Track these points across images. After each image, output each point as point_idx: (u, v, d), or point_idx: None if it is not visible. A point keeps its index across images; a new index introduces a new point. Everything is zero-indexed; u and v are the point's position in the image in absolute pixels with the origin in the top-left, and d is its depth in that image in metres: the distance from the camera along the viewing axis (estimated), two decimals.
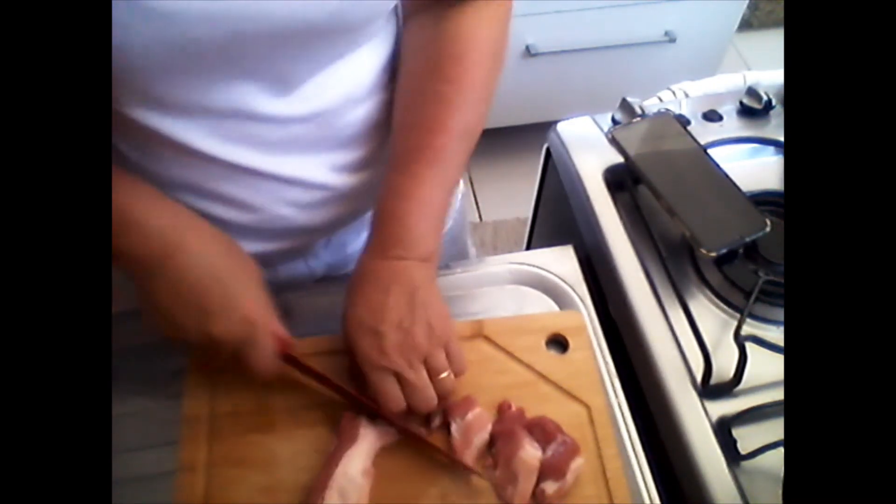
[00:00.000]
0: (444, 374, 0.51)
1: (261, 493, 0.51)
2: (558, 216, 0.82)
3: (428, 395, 0.50)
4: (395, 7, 0.56)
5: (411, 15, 0.58)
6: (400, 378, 0.50)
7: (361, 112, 0.56)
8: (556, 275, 0.65)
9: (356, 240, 0.72)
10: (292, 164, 0.55)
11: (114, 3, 0.38)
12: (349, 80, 0.54)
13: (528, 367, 0.57)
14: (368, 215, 0.70)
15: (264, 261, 0.64)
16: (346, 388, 0.54)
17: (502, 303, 0.63)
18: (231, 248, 0.52)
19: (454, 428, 0.53)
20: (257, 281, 0.52)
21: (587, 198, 0.71)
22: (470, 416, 0.53)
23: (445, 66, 0.54)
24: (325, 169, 0.58)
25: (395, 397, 0.50)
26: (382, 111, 0.58)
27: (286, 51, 0.47)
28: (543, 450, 0.51)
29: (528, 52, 1.57)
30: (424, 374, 0.50)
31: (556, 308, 0.63)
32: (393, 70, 0.58)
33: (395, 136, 0.57)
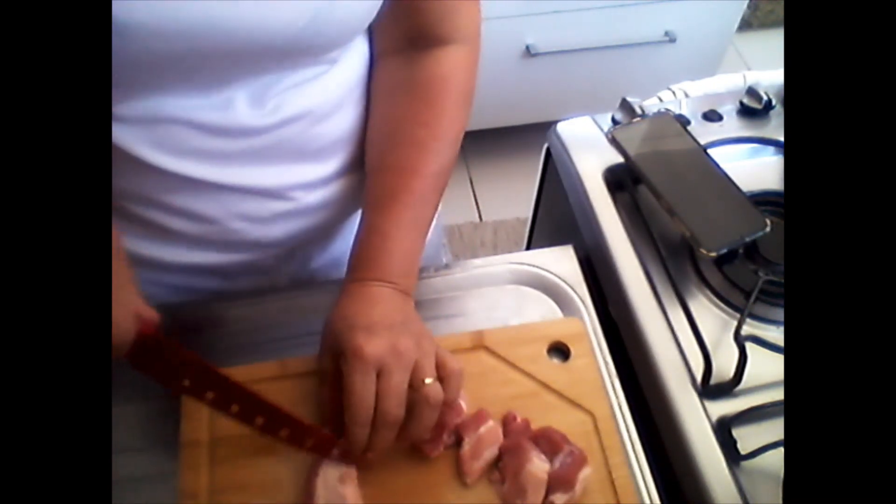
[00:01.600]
0: (429, 380, 0.49)
1: None
2: (558, 216, 0.82)
3: (399, 406, 0.48)
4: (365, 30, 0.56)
5: (383, 55, 0.58)
6: (380, 379, 0.48)
7: (324, 128, 0.56)
8: (556, 275, 0.65)
9: (321, 255, 0.71)
10: (249, 176, 0.55)
11: None
12: (313, 97, 0.54)
13: (531, 376, 0.57)
14: (335, 231, 0.70)
15: (223, 272, 0.63)
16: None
17: (502, 303, 0.63)
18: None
19: (466, 442, 0.52)
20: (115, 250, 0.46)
21: (587, 198, 0.71)
22: (483, 429, 0.53)
23: (420, 109, 0.56)
24: (284, 183, 0.57)
25: (366, 398, 0.47)
26: (346, 128, 0.59)
27: (246, 67, 0.47)
28: (551, 461, 0.51)
29: (528, 52, 1.57)
30: (406, 382, 0.48)
31: (556, 308, 0.63)
32: (360, 87, 0.59)
33: (371, 177, 0.58)
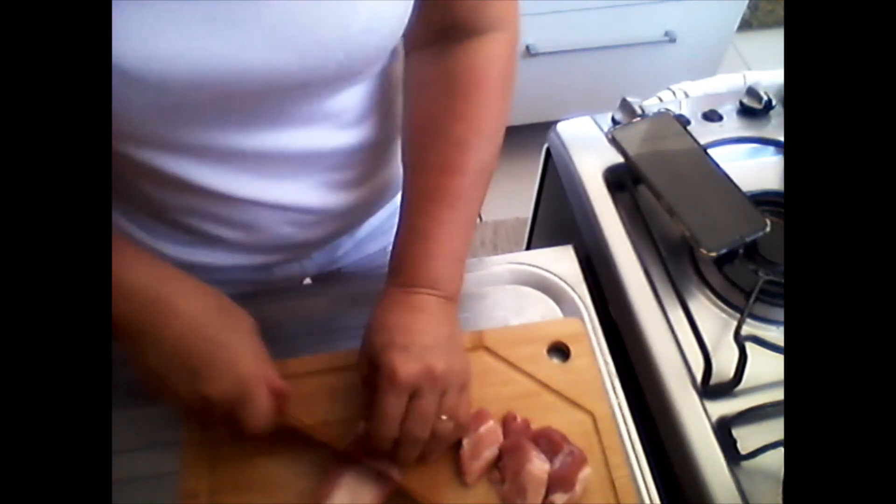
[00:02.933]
0: (445, 418, 0.48)
1: None
2: (558, 216, 0.82)
3: (425, 429, 0.47)
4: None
5: (413, 50, 0.56)
6: (412, 400, 0.47)
7: (354, 136, 0.56)
8: (556, 275, 0.65)
9: (348, 242, 0.73)
10: (287, 190, 0.55)
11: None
12: (342, 112, 0.53)
13: (531, 376, 0.57)
14: (365, 226, 0.71)
15: (261, 268, 0.64)
16: (333, 442, 0.52)
17: (502, 303, 0.64)
18: (219, 301, 0.49)
19: (466, 442, 0.52)
20: (250, 332, 0.49)
21: (587, 198, 0.71)
22: (483, 429, 0.53)
23: (459, 104, 0.53)
24: (319, 190, 0.58)
25: (393, 419, 0.47)
26: (375, 131, 0.58)
27: (284, 97, 0.47)
28: (551, 461, 0.51)
29: (528, 52, 1.57)
30: (436, 406, 0.48)
31: (556, 308, 0.63)
32: (384, 96, 0.58)
33: (409, 176, 0.55)
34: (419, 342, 0.48)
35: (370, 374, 0.49)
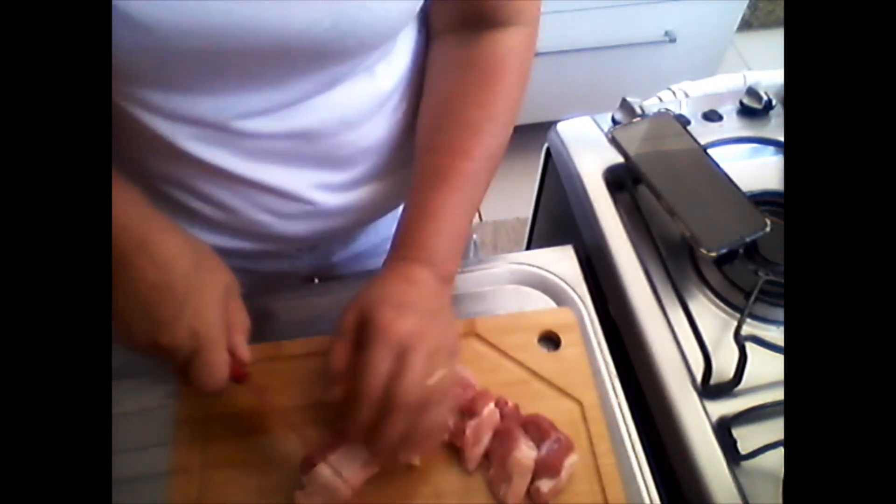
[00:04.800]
0: (433, 381, 0.46)
1: (254, 495, 0.51)
2: (558, 216, 0.82)
3: (415, 392, 0.45)
4: (398, 37, 0.56)
5: (438, 35, 0.57)
6: (402, 358, 0.45)
7: (353, 136, 0.56)
8: (556, 275, 0.65)
9: (343, 250, 0.72)
10: (274, 175, 0.55)
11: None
12: (344, 105, 0.53)
13: (521, 364, 0.58)
14: (358, 231, 0.71)
15: (245, 255, 0.64)
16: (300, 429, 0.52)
17: (502, 303, 0.63)
18: (201, 256, 0.48)
19: (469, 426, 0.52)
20: (224, 292, 0.48)
21: (587, 198, 0.71)
22: (485, 412, 0.53)
23: (475, 91, 0.55)
24: (308, 185, 0.58)
25: (381, 376, 0.45)
26: (376, 137, 0.58)
27: (276, 69, 0.47)
28: (538, 448, 0.52)
29: None
30: (428, 369, 0.46)
31: (556, 308, 0.63)
32: (394, 97, 0.58)
33: (421, 156, 0.56)
34: (413, 304, 0.48)
35: (354, 335, 0.47)
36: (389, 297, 0.48)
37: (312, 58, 0.47)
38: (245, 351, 0.49)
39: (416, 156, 0.56)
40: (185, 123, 0.49)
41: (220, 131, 0.50)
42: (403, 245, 0.53)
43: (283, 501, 0.51)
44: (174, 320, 0.45)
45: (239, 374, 0.49)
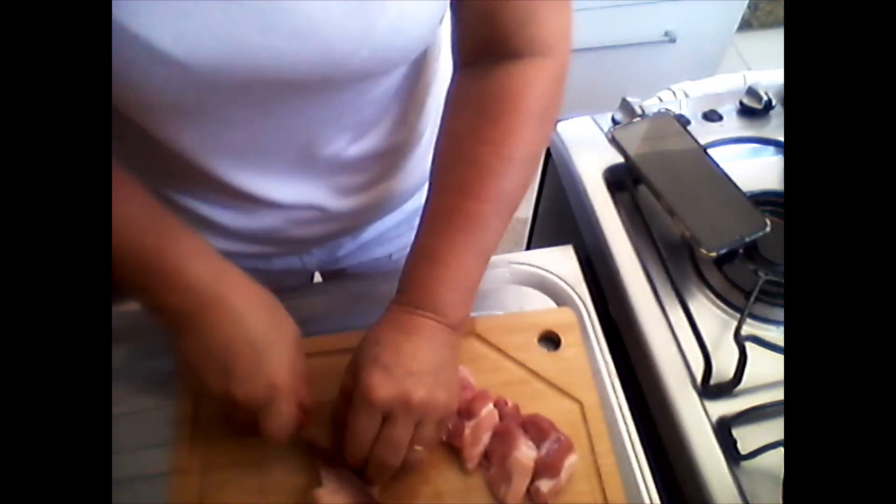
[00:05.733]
0: (419, 448, 0.48)
1: (253, 495, 0.51)
2: (558, 216, 0.82)
3: (395, 455, 0.47)
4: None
5: (461, 67, 0.54)
6: (384, 425, 0.46)
7: (365, 143, 0.56)
8: (556, 275, 0.65)
9: (350, 243, 0.73)
10: (294, 191, 0.56)
11: (133, 47, 0.38)
12: (360, 114, 0.53)
13: (521, 364, 0.58)
14: (368, 226, 0.71)
15: (257, 256, 0.65)
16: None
17: (502, 303, 0.63)
18: (272, 309, 0.50)
19: (467, 427, 0.52)
20: (292, 343, 0.50)
21: (587, 198, 0.71)
22: (483, 412, 0.53)
23: (485, 127, 0.51)
24: (321, 192, 0.58)
25: (362, 439, 0.47)
26: (387, 139, 0.58)
27: (312, 94, 0.47)
28: (538, 448, 0.52)
29: None
30: (409, 436, 0.47)
31: (556, 308, 0.63)
32: (400, 102, 0.57)
33: (430, 195, 0.53)
34: (404, 365, 0.47)
35: (350, 386, 0.48)
36: (380, 354, 0.47)
37: (348, 81, 0.47)
38: (309, 401, 0.51)
39: (428, 195, 0.54)
40: (215, 150, 0.49)
41: (245, 152, 0.50)
42: (406, 290, 0.51)
43: (282, 501, 0.51)
44: (253, 375, 0.47)
45: (304, 423, 0.50)
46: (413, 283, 0.51)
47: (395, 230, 0.74)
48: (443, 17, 0.49)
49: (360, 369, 0.47)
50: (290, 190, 0.56)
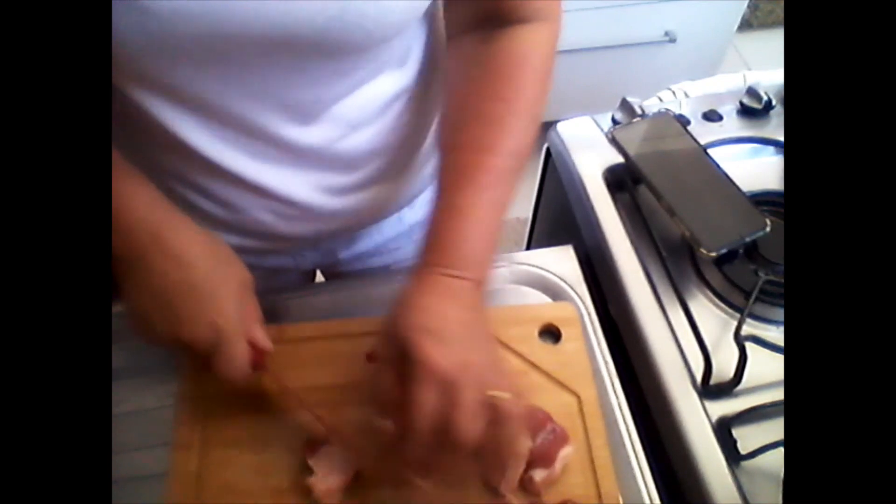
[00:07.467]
0: (501, 394, 0.45)
1: (253, 473, 0.52)
2: (558, 216, 0.82)
3: (473, 419, 0.43)
4: (407, 40, 0.55)
5: (455, 37, 0.55)
6: (452, 393, 0.43)
7: (357, 139, 0.56)
8: (556, 275, 0.65)
9: (346, 250, 0.72)
10: (276, 177, 0.55)
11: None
12: (349, 107, 0.53)
13: (521, 356, 0.58)
14: (361, 232, 0.71)
15: (248, 251, 0.64)
16: (315, 412, 0.52)
17: (503, 302, 0.63)
18: (215, 249, 0.50)
19: None
20: (240, 285, 0.50)
21: (587, 198, 0.71)
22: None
23: (498, 85, 0.52)
24: (309, 188, 0.57)
25: (431, 414, 0.43)
26: (378, 140, 0.58)
27: (280, 61, 0.46)
28: (533, 438, 0.52)
29: None
30: (479, 398, 0.44)
31: None
32: (400, 101, 0.57)
33: (445, 156, 0.53)
34: (452, 329, 0.45)
35: (394, 359, 0.45)
36: (427, 322, 0.45)
37: (317, 50, 0.46)
38: (266, 340, 0.51)
39: (440, 155, 0.54)
40: (190, 115, 0.49)
41: (225, 126, 0.50)
42: (435, 250, 0.49)
43: (281, 480, 0.51)
44: (196, 316, 0.47)
45: (259, 363, 0.51)
46: (440, 243, 0.50)
47: (395, 241, 0.74)
48: (426, 3, 0.49)
49: (410, 339, 0.44)
50: (269, 177, 0.55)
